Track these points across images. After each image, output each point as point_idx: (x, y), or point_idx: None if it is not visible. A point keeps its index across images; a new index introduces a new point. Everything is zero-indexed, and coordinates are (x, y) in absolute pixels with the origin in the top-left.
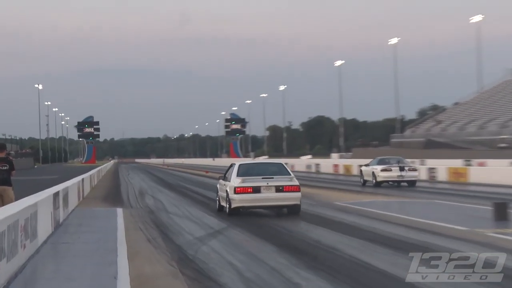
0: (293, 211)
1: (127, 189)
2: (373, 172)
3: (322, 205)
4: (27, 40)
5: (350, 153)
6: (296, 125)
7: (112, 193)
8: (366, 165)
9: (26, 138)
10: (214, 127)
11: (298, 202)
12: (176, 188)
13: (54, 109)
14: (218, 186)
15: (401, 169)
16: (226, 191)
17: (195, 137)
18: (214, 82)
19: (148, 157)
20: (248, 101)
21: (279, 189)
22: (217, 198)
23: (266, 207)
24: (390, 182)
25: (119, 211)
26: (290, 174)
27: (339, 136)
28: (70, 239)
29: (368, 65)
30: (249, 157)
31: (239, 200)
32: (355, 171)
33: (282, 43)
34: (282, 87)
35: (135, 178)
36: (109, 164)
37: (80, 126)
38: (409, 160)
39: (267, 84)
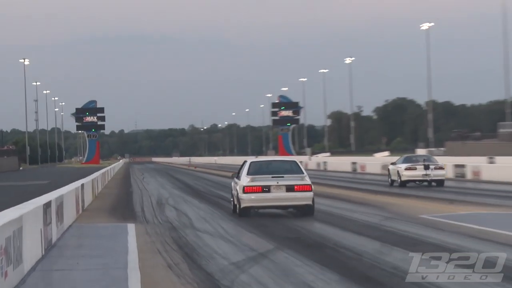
0: (305, 211)
1: (142, 197)
2: (397, 171)
3: (401, 218)
4: (8, 2)
5: (442, 149)
6: (368, 111)
7: (121, 203)
8: (393, 163)
9: (9, 131)
10: (257, 115)
11: (310, 202)
12: (207, 196)
13: (44, 92)
14: (232, 184)
15: (426, 167)
16: (237, 189)
17: (232, 128)
18: (257, 54)
19: (169, 155)
20: (303, 79)
21: (289, 188)
22: (232, 199)
23: (276, 207)
24: (417, 182)
25: (131, 227)
26: (303, 173)
27: (427, 125)
28: (66, 265)
29: (466, 29)
30: (305, 154)
31: (248, 200)
32: (450, 173)
33: (348, 1)
34: (348, 60)
35: (152, 183)
36: (118, 165)
37: (79, 114)
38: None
39: (328, 56)
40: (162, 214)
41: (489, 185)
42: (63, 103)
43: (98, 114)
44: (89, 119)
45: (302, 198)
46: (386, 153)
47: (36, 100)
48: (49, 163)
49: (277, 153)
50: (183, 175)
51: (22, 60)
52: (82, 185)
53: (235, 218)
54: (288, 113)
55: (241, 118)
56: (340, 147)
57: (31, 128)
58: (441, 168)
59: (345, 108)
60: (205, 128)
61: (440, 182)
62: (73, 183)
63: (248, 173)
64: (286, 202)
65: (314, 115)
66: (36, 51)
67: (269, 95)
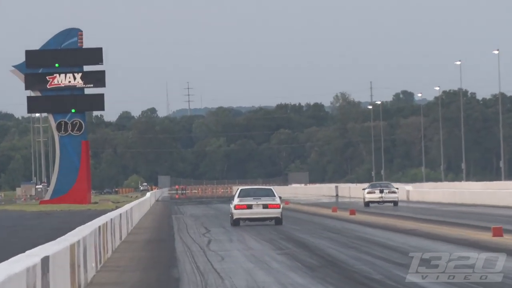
0: (276, 222)
1: None
2: (363, 195)
3: None
4: None
5: None
6: None
7: None
8: (364, 189)
9: None
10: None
11: (279, 216)
12: None
13: None
14: (230, 206)
15: (381, 191)
16: (231, 207)
17: (454, 100)
18: None
19: (279, 177)
20: None
21: (265, 206)
22: (230, 215)
23: (256, 219)
24: (378, 203)
25: None
26: (275, 196)
27: None
28: None
29: None
30: None
31: (237, 214)
32: None
33: None
34: None
35: (235, 258)
36: (140, 205)
37: (35, 67)
38: None
39: None
40: None
41: None
42: None
43: (87, 68)
44: (61, 80)
45: (273, 212)
46: None
47: None
48: None
49: None
50: (326, 237)
51: None
52: (46, 259)
53: None
54: None
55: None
56: None
57: None
58: (394, 192)
59: None
60: (377, 103)
61: (394, 203)
62: (14, 258)
63: (238, 196)
64: (263, 215)
65: None
66: None
67: None
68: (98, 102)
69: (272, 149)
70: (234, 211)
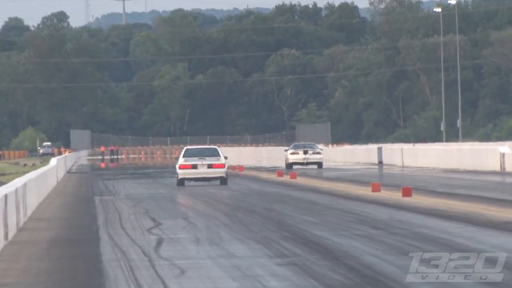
0: (221, 181)
1: None
2: (286, 156)
3: None
4: None
5: None
6: None
7: None
8: (286, 150)
9: None
10: None
11: (224, 175)
12: None
13: None
14: (176, 166)
15: (305, 152)
16: (176, 167)
17: None
18: None
19: (284, 132)
20: None
21: (209, 166)
22: (176, 175)
23: (201, 179)
24: (304, 164)
25: None
26: (220, 156)
27: None
28: None
29: None
30: None
31: (182, 173)
32: None
33: None
34: None
35: None
36: (40, 183)
37: None
38: None
39: None
40: None
41: None
42: None
43: None
44: None
45: (218, 172)
46: None
47: None
48: None
49: None
50: (363, 235)
51: None
52: None
53: None
54: None
55: None
56: None
57: None
58: (318, 153)
59: None
60: (450, 3)
61: (319, 164)
62: None
63: (183, 156)
64: (207, 175)
65: None
66: None
67: None
68: None
69: (268, 83)
70: (179, 171)
